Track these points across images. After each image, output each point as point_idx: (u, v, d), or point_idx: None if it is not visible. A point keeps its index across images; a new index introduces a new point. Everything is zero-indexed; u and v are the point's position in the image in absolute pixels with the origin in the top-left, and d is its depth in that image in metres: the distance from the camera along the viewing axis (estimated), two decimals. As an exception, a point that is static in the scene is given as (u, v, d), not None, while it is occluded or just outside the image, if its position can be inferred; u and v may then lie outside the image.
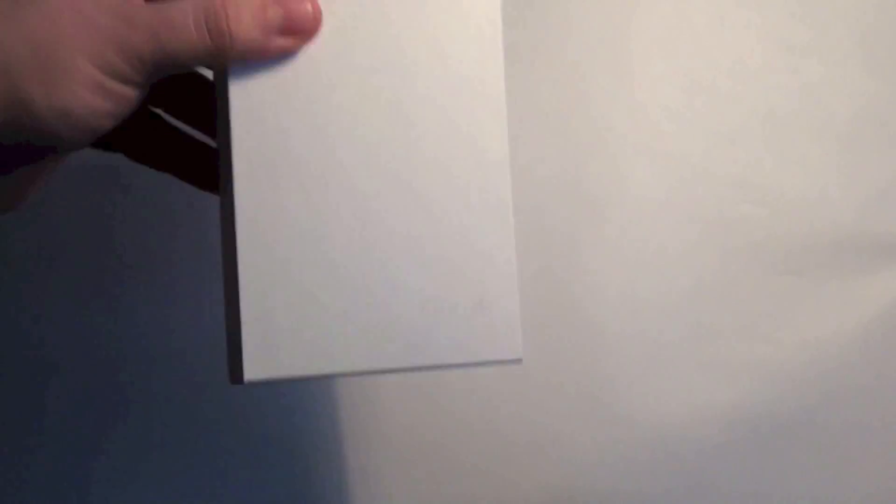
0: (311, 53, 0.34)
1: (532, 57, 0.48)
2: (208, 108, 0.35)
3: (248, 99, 0.33)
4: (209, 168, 0.36)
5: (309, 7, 0.33)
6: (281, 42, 0.33)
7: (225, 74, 0.34)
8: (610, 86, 0.48)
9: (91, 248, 0.45)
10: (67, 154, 0.33)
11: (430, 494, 0.48)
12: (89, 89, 0.30)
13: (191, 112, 0.38)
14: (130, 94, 0.31)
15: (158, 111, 0.38)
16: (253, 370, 0.33)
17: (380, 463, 0.47)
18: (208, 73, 0.36)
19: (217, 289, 0.33)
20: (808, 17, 0.49)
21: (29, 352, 0.45)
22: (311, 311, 0.34)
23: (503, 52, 0.34)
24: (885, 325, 0.49)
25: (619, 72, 0.48)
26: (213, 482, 0.45)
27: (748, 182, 0.48)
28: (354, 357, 0.34)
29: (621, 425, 0.48)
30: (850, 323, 0.49)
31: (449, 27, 0.35)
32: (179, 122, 0.38)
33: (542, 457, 0.48)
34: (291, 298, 0.34)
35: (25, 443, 0.44)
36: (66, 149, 0.32)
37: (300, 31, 0.33)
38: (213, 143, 0.37)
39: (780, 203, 0.49)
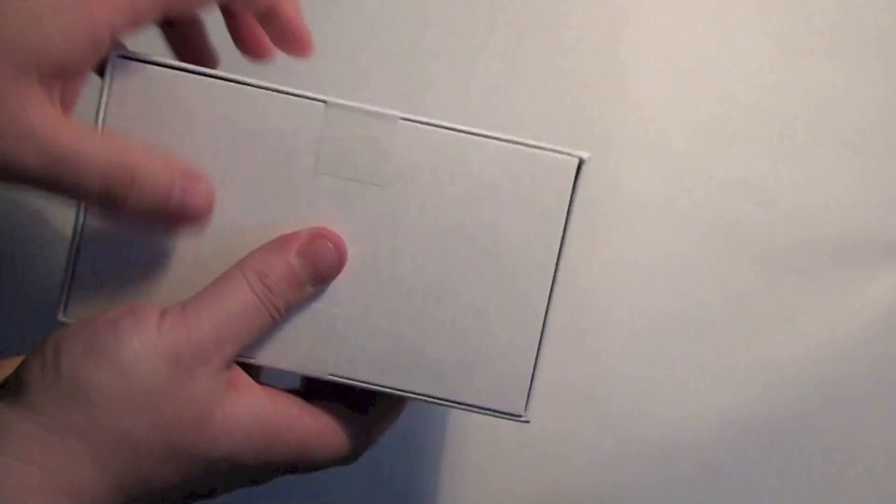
0: None
1: (532, 57, 0.48)
2: None
3: None
4: None
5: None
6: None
7: None
8: (609, 86, 0.48)
9: None
10: None
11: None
12: None
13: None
14: None
15: None
16: None
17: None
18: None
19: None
20: (809, 17, 0.49)
21: None
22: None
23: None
24: (886, 326, 0.48)
25: (618, 72, 0.48)
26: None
27: (749, 183, 0.48)
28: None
29: (621, 425, 0.47)
30: (850, 323, 0.48)
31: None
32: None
33: (542, 456, 0.47)
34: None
35: None
36: None
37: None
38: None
39: (781, 203, 0.48)
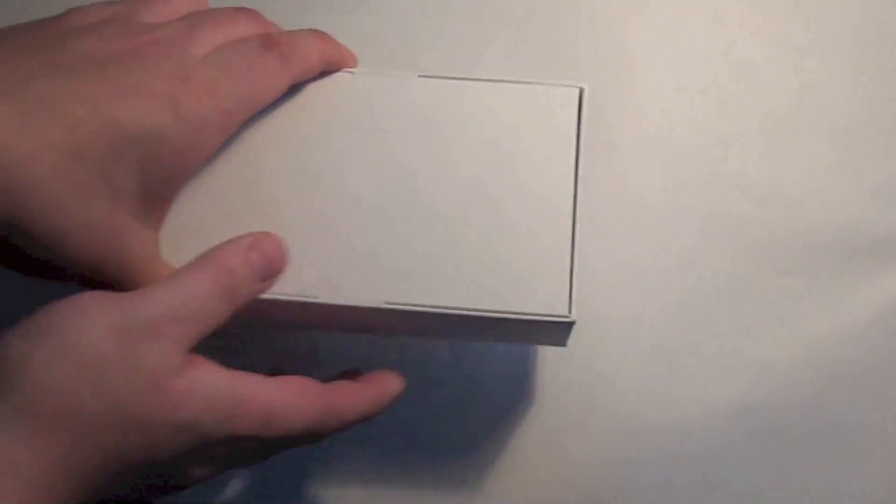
0: None
1: (531, 57, 0.50)
2: None
3: None
4: None
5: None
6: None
7: None
8: (609, 86, 0.50)
9: None
10: None
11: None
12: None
13: None
14: None
15: None
16: None
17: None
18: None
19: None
20: (808, 17, 0.50)
21: None
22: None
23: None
24: (886, 325, 0.48)
25: (618, 72, 0.50)
26: None
27: (748, 182, 0.49)
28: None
29: (618, 423, 0.47)
30: (850, 323, 0.48)
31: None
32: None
33: (541, 455, 0.47)
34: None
35: None
36: None
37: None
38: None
39: (781, 203, 0.49)
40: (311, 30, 0.40)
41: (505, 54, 0.50)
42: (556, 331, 0.42)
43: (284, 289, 0.39)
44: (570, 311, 0.39)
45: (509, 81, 0.41)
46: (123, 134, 0.33)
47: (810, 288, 0.48)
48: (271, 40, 0.37)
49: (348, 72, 0.41)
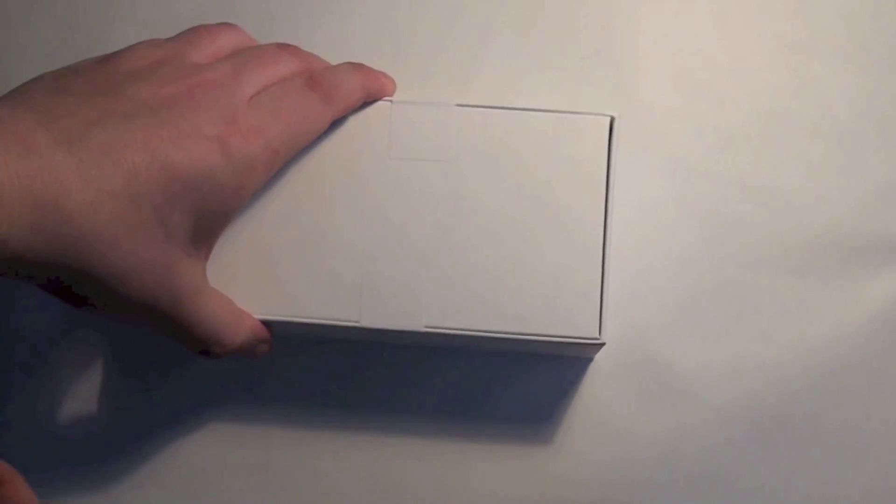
0: None
1: (531, 57, 0.50)
2: None
3: None
4: None
5: None
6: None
7: None
8: (609, 86, 0.50)
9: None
10: None
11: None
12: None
13: None
14: None
15: None
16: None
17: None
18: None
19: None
20: (808, 17, 0.50)
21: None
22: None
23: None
24: (886, 325, 0.48)
25: (617, 72, 0.50)
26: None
27: (748, 182, 0.49)
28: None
29: (618, 423, 0.48)
30: (850, 323, 0.48)
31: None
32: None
33: (541, 454, 0.48)
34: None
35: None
36: None
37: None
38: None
39: (780, 203, 0.49)
40: (350, 64, 0.41)
41: (505, 53, 0.50)
42: (586, 350, 0.44)
43: (329, 313, 0.41)
44: (599, 334, 0.41)
45: (542, 111, 0.42)
46: (179, 178, 0.34)
47: (810, 288, 0.48)
48: (314, 80, 0.39)
49: (387, 100, 0.42)
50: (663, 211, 0.49)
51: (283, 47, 0.40)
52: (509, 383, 0.48)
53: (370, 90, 0.41)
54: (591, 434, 0.47)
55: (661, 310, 0.48)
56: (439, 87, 0.49)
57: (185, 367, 0.48)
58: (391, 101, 0.42)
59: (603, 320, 0.41)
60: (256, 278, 0.41)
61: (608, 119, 0.42)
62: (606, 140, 0.42)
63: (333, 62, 0.43)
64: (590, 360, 0.47)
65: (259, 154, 0.37)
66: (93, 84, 0.36)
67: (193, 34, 0.40)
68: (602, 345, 0.41)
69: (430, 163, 0.42)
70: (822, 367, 0.48)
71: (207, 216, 0.37)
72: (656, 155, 0.49)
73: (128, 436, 0.48)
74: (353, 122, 0.42)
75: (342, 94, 0.39)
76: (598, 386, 0.48)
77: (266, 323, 0.41)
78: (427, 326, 0.41)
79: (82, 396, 0.48)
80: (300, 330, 0.43)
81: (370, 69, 0.42)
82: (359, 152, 0.42)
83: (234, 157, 0.36)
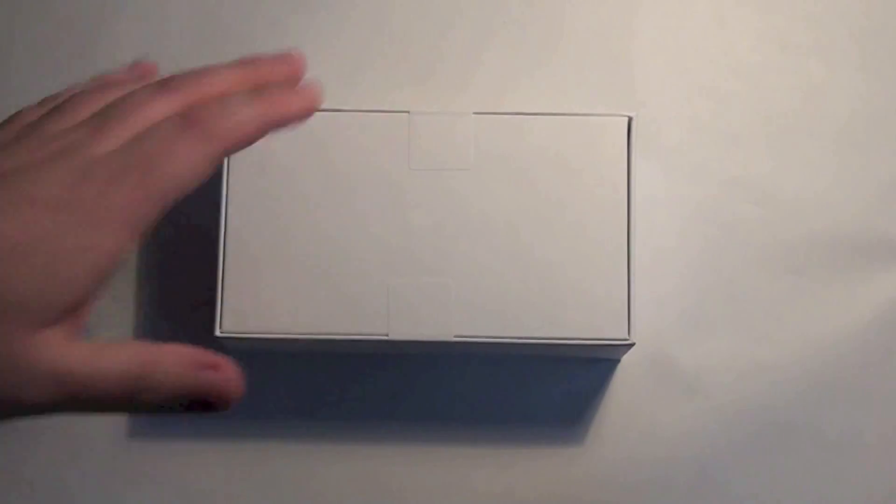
0: None
1: (531, 57, 0.50)
2: None
3: None
4: None
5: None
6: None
7: None
8: (609, 86, 0.50)
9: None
10: None
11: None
12: None
13: None
14: None
15: None
16: None
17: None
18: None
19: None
20: (808, 17, 0.50)
21: None
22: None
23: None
24: (885, 325, 0.48)
25: (617, 72, 0.50)
26: None
27: (748, 182, 0.49)
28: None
29: (617, 423, 0.48)
30: (850, 323, 0.48)
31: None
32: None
33: (540, 454, 0.48)
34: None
35: None
36: None
37: None
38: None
39: (780, 203, 0.49)
40: (248, 93, 0.36)
41: (505, 52, 0.49)
42: (615, 351, 0.44)
43: (357, 328, 0.41)
44: (629, 334, 0.41)
45: (560, 114, 0.42)
46: (5, 252, 0.30)
47: (810, 288, 0.48)
48: (191, 118, 0.34)
49: (405, 112, 0.42)
50: (662, 211, 0.49)
51: (163, 85, 0.36)
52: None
53: (270, 119, 0.36)
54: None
55: (660, 309, 0.48)
56: (439, 88, 0.49)
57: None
58: (409, 112, 0.42)
59: (631, 320, 0.41)
60: (280, 297, 0.41)
61: (626, 119, 0.42)
62: (625, 140, 0.42)
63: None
64: (616, 361, 0.47)
65: (112, 207, 0.32)
66: None
67: (61, 100, 0.36)
68: (631, 345, 0.41)
69: (450, 172, 0.42)
70: (822, 368, 0.48)
71: (58, 283, 0.31)
72: (655, 155, 0.49)
73: (123, 448, 0.47)
74: (372, 136, 0.42)
75: (228, 128, 0.34)
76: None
77: (293, 340, 0.41)
78: (456, 336, 0.41)
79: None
80: (327, 347, 0.43)
81: (275, 95, 0.37)
82: (379, 165, 0.42)
83: (76, 216, 0.31)
